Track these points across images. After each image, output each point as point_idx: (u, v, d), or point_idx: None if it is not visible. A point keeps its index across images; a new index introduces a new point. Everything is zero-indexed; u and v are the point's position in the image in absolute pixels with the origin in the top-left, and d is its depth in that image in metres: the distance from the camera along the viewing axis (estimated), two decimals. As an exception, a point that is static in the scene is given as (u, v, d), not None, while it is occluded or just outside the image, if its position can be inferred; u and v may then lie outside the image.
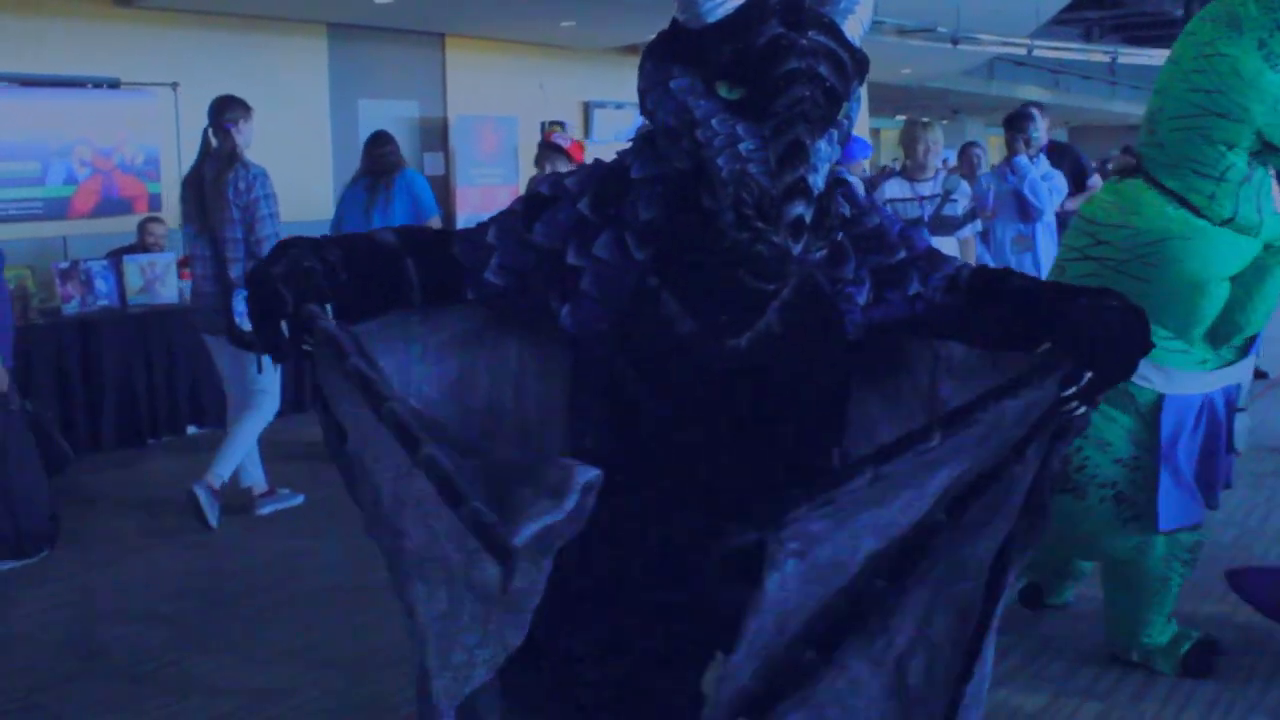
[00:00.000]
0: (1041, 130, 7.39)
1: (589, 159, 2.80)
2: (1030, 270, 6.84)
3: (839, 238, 1.99)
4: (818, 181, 1.81)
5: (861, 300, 2.05)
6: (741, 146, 1.83)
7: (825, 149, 1.86)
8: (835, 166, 1.93)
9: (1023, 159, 7.13)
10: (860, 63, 1.90)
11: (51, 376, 6.98)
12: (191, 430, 7.60)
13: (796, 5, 1.87)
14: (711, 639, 2.13)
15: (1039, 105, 7.77)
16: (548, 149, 6.99)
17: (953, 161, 10.43)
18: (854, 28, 1.92)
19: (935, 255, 2.14)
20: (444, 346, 2.14)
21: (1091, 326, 1.86)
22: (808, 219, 1.78)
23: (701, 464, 2.01)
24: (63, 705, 3.77)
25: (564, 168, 5.95)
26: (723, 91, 1.86)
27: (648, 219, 1.97)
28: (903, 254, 2.10)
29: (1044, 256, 7.08)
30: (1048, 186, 7.18)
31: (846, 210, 2.05)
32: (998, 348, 2.02)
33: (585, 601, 2.07)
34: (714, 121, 1.85)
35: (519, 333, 2.16)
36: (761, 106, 1.83)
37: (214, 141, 5.59)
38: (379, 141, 6.77)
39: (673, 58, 1.92)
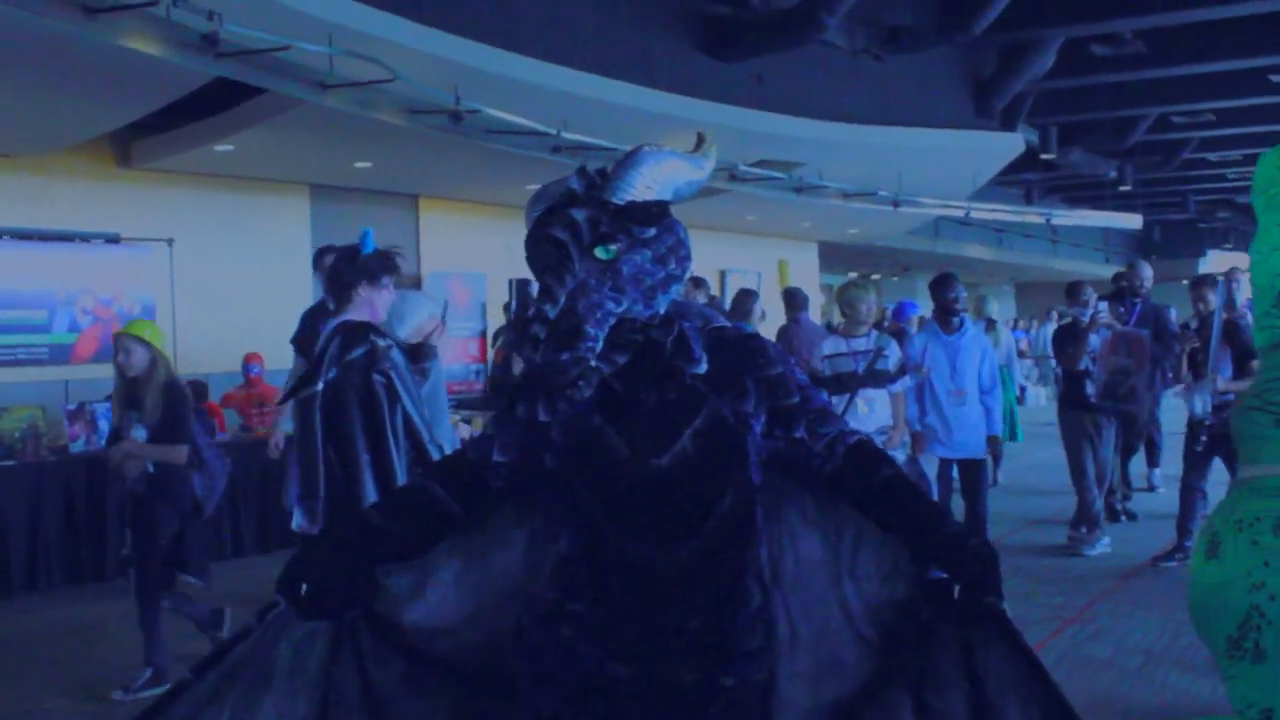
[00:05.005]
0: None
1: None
2: (976, 419, 7.15)
3: (746, 383, 2.51)
4: (552, 311, 2.31)
5: (758, 430, 2.53)
6: None
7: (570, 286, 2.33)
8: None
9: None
10: (617, 214, 2.38)
11: (61, 510, 7.66)
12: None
13: (570, 197, 2.42)
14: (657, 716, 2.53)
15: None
16: None
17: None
18: (644, 193, 2.43)
19: (827, 413, 2.64)
20: (487, 544, 2.64)
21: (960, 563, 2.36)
22: (541, 336, 2.30)
23: (642, 565, 2.44)
24: None
25: None
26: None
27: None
28: (796, 400, 2.57)
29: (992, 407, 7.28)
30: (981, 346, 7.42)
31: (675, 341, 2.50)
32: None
33: (539, 683, 2.48)
34: None
35: (529, 512, 2.63)
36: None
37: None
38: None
39: None
